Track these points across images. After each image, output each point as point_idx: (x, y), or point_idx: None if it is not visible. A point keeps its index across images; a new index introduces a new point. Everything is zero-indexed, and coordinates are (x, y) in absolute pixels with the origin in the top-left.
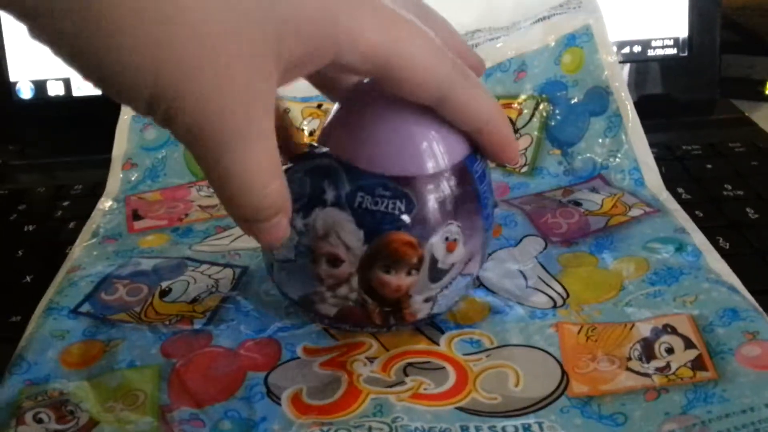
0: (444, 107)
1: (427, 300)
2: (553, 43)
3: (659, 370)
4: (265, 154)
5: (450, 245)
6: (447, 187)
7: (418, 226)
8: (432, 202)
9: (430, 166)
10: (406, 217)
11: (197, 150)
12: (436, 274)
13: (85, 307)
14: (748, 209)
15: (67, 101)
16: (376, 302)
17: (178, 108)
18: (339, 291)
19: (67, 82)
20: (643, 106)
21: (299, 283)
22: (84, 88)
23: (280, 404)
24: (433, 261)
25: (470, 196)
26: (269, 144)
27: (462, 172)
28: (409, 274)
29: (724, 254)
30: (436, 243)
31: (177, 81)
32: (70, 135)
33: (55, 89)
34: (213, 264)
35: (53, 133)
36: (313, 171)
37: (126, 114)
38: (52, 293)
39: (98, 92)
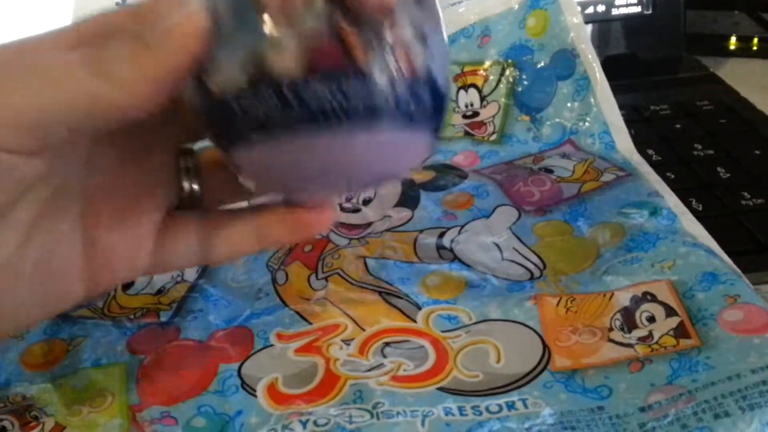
0: None
1: (417, 37)
2: (516, 6)
3: (642, 339)
4: None
5: None
6: None
7: None
8: None
9: None
10: None
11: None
12: None
13: None
14: (719, 169)
15: None
16: (355, 25)
17: None
18: (298, 18)
19: None
20: (608, 66)
21: (244, 45)
22: None
23: (255, 396)
24: None
25: None
26: None
27: None
28: None
29: (697, 216)
30: None
31: None
32: None
33: None
34: None
35: None
36: None
37: None
38: None
39: None
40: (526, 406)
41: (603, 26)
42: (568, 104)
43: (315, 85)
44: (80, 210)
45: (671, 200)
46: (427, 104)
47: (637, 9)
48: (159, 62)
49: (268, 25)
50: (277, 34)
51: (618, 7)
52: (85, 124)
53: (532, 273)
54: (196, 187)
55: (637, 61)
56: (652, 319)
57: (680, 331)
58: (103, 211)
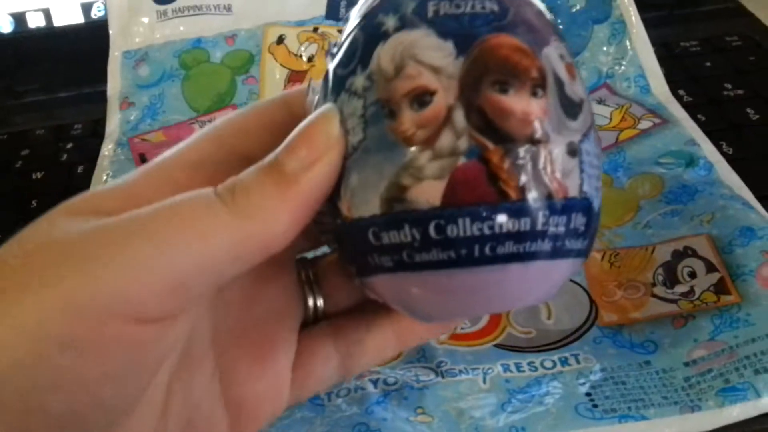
0: None
1: (571, 153)
2: None
3: (684, 295)
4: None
5: (569, 67)
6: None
7: (522, 29)
8: (528, 8)
9: None
10: (504, 17)
11: None
12: (569, 104)
13: None
14: (748, 110)
15: (50, 33)
16: (500, 144)
17: None
18: (440, 144)
19: (47, 13)
20: None
21: (379, 168)
22: (65, 17)
23: None
24: (559, 82)
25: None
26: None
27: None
28: (534, 94)
29: (729, 159)
30: (553, 57)
31: None
32: (56, 69)
33: (35, 21)
34: None
35: (38, 68)
36: (360, 23)
37: (116, 50)
38: None
39: (80, 20)
40: (578, 362)
41: None
42: (604, 48)
43: (459, 220)
44: (214, 364)
45: (707, 148)
46: (581, 229)
47: None
48: (301, 191)
49: (405, 147)
50: (416, 157)
51: None
52: (228, 272)
53: None
54: (320, 300)
55: None
56: (693, 275)
57: (720, 287)
58: (238, 357)
